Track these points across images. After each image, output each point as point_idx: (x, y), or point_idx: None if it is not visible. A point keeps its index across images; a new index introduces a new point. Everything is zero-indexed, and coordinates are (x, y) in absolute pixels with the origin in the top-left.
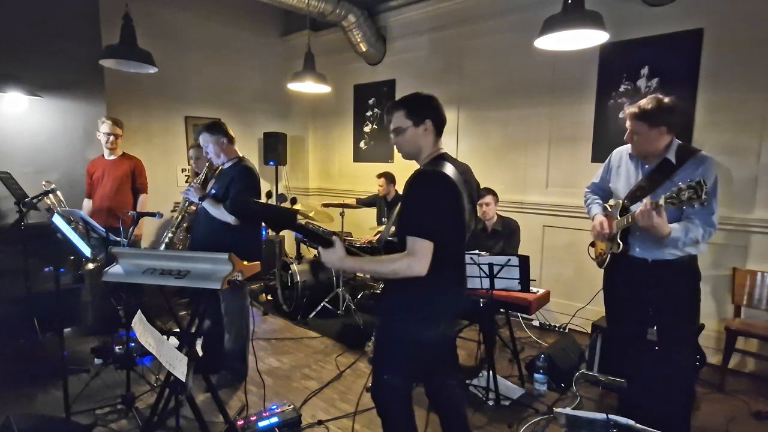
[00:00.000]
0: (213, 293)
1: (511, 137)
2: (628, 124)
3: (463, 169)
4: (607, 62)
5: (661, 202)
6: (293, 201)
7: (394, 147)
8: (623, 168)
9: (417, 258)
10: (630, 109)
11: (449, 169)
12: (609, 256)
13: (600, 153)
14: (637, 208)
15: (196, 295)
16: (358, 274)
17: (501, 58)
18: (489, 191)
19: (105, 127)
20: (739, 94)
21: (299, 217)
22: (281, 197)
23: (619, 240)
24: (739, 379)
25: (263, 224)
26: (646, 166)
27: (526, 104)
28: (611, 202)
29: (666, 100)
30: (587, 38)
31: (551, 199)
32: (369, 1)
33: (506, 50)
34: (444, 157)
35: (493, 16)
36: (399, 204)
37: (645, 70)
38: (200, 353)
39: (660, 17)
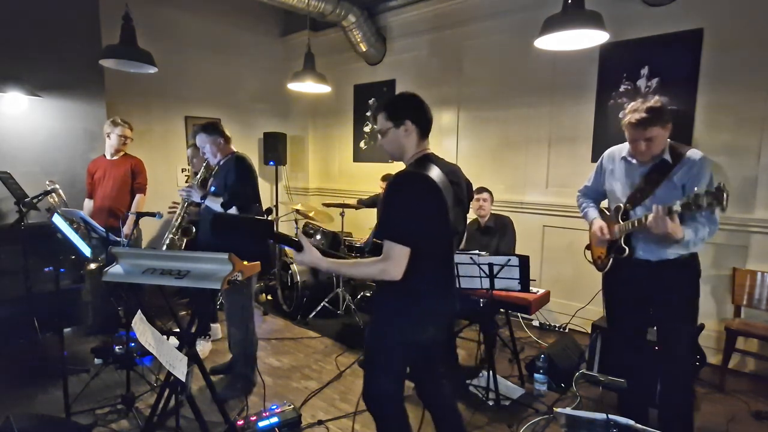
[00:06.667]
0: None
1: (511, 137)
2: (637, 134)
3: (451, 170)
4: (607, 62)
5: (677, 208)
6: (268, 212)
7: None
8: (618, 170)
9: (391, 263)
10: (636, 116)
11: (433, 171)
12: (612, 260)
13: (600, 153)
14: (639, 211)
15: (196, 295)
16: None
17: (501, 58)
18: (484, 189)
19: (119, 129)
20: (739, 94)
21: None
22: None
23: (623, 245)
24: (739, 379)
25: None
26: (642, 167)
27: (526, 104)
28: (606, 204)
29: (657, 98)
30: (587, 38)
31: (551, 199)
32: (369, 1)
33: (506, 50)
34: (429, 158)
35: (493, 16)
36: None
37: (645, 70)
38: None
39: (660, 17)
